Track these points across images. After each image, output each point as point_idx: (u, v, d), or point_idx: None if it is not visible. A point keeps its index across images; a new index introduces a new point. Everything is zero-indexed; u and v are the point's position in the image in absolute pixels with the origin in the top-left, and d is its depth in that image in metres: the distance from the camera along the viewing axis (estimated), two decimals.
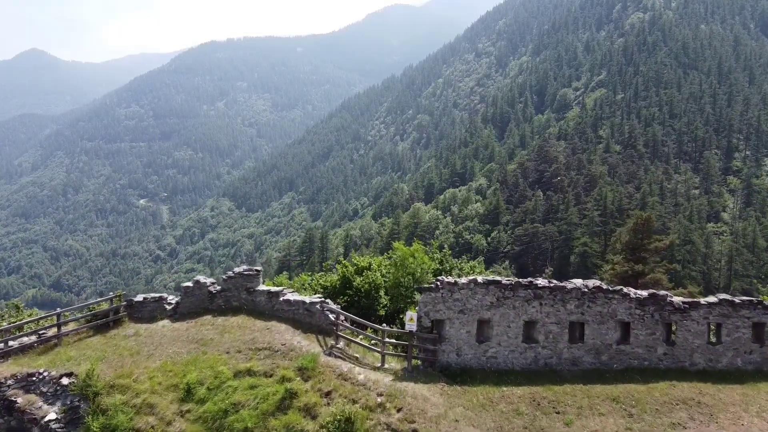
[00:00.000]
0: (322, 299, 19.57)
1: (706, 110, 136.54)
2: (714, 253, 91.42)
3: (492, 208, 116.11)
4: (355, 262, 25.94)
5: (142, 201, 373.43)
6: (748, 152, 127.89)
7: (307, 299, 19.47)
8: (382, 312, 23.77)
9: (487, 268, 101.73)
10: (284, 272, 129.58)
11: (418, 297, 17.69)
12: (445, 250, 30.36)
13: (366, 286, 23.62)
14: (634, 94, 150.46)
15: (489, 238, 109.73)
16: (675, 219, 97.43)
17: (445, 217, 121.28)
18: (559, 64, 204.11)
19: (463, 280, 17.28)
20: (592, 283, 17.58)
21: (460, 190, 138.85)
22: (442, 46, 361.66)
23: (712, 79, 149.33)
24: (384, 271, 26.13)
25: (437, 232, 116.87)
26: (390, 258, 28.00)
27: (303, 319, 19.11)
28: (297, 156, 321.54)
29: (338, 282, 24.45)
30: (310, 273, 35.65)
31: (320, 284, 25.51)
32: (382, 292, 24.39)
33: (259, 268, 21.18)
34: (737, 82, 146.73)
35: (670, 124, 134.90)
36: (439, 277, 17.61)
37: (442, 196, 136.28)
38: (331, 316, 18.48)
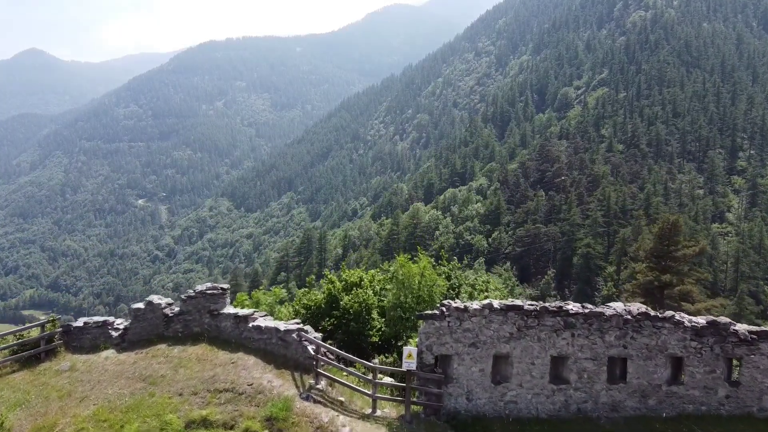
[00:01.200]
0: (300, 326, 16.23)
1: (710, 109, 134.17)
2: (720, 254, 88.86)
3: (493, 209, 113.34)
4: (344, 276, 22.27)
5: (140, 201, 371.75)
6: (752, 151, 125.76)
7: (282, 326, 16.19)
8: (375, 338, 20.25)
9: (487, 270, 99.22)
10: (282, 273, 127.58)
11: (420, 324, 14.60)
12: (453, 263, 25.36)
13: (356, 306, 20.15)
14: (636, 93, 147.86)
15: (490, 239, 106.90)
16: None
17: (445, 218, 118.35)
18: (560, 62, 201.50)
19: (475, 305, 14.09)
20: (636, 308, 14.26)
21: (460, 190, 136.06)
22: (442, 46, 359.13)
23: (715, 77, 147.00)
24: (378, 288, 22.26)
25: (437, 232, 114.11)
26: (386, 272, 24.02)
27: (276, 351, 15.83)
28: (296, 156, 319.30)
29: (323, 301, 21.00)
30: (284, 285, 31.94)
31: (302, 304, 21.78)
32: (375, 314, 20.81)
33: (225, 286, 17.77)
34: (741, 81, 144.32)
35: (674, 123, 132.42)
36: (445, 302, 14.38)
37: (441, 196, 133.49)
38: (311, 348, 15.27)
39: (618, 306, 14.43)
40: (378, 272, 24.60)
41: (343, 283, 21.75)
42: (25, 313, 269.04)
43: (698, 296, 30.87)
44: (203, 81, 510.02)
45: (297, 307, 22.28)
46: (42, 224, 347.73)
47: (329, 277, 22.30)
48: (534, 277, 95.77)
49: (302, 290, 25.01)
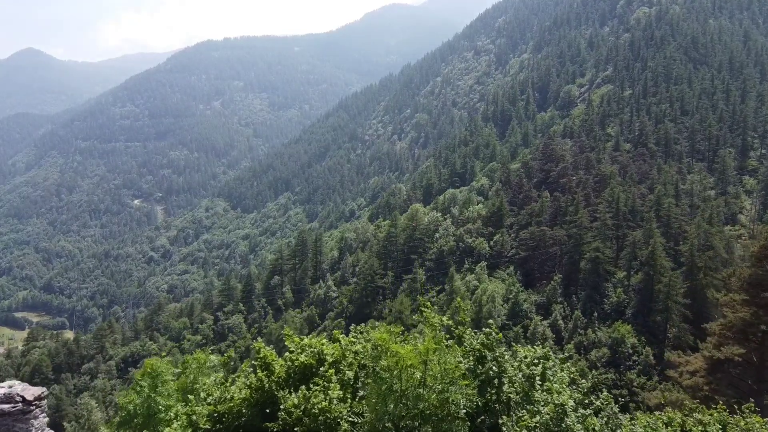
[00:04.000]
0: None
1: (719, 107, 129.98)
2: (735, 258, 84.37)
3: (495, 210, 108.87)
4: (290, 354, 12.62)
5: (136, 201, 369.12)
6: (763, 150, 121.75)
7: None
8: None
9: (490, 275, 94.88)
10: (276, 276, 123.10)
11: None
12: (489, 328, 12.97)
13: (307, 420, 10.67)
14: (642, 90, 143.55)
15: (492, 242, 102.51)
16: (692, 222, 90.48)
17: (444, 219, 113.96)
18: (562, 60, 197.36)
19: None
20: None
21: (460, 191, 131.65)
22: (441, 45, 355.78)
23: (724, 74, 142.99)
24: (350, 374, 12.28)
25: (436, 235, 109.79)
26: (362, 337, 13.89)
27: None
28: (293, 156, 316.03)
29: (246, 405, 11.60)
30: (212, 349, 24.08)
31: (205, 412, 12.20)
32: (344, 429, 11.14)
33: (36, 392, 10.35)
34: (750, 78, 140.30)
35: (682, 121, 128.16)
36: None
37: (441, 197, 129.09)
38: None
39: None
40: (351, 340, 14.02)
41: (288, 365, 12.25)
42: (18, 315, 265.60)
43: None
44: (200, 81, 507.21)
45: (197, 416, 12.42)
46: (37, 225, 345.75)
47: (263, 352, 12.71)
48: (539, 282, 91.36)
49: (211, 379, 14.98)
